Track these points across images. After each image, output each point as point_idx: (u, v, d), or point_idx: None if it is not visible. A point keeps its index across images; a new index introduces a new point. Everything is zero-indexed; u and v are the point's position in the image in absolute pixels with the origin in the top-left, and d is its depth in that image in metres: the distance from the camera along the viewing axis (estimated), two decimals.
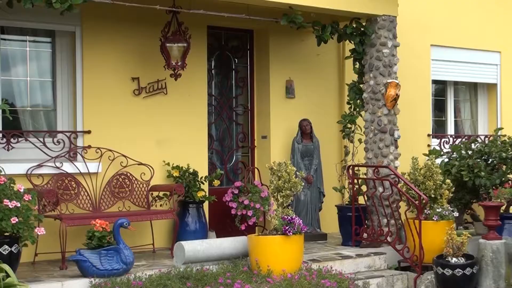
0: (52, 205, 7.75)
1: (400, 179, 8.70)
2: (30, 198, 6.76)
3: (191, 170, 9.00)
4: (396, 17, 9.33)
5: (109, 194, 8.53)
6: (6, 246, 6.48)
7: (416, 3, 10.91)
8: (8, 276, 5.55)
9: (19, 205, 6.56)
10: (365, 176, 9.31)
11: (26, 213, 6.61)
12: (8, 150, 8.14)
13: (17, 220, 6.47)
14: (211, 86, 9.99)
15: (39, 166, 8.15)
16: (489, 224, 8.23)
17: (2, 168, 6.96)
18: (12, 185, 6.71)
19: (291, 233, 7.42)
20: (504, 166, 9.20)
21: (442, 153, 10.28)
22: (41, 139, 8.38)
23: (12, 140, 8.20)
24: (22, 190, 6.74)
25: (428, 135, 11.71)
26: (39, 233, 6.72)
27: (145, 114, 9.04)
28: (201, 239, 8.27)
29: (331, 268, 7.72)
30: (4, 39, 8.44)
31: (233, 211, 8.32)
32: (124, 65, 8.91)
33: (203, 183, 9.09)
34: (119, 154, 8.70)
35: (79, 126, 8.65)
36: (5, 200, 6.50)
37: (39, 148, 8.32)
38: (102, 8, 8.24)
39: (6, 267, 5.60)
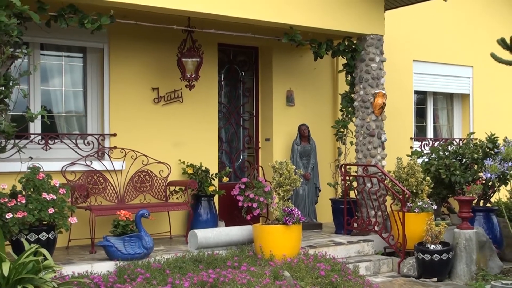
0: (83, 198, 7.78)
1: (386, 176, 8.72)
2: (64, 192, 6.78)
3: (203, 168, 9.01)
4: (382, 36, 9.35)
5: (132, 188, 8.56)
6: (44, 233, 6.54)
7: (400, 24, 10.91)
8: (46, 259, 5.58)
9: (55, 197, 6.60)
10: (355, 174, 9.31)
11: (61, 205, 6.64)
12: (46, 150, 8.20)
13: (53, 210, 6.52)
14: (221, 95, 10.00)
15: (72, 164, 8.19)
16: (463, 215, 8.23)
17: (41, 166, 6.98)
18: (49, 180, 6.74)
19: (290, 223, 7.45)
20: (476, 166, 9.20)
21: (422, 154, 10.29)
22: (74, 141, 8.42)
23: (49, 141, 8.25)
24: (57, 185, 6.78)
25: (411, 138, 11.73)
26: (72, 222, 6.75)
27: (163, 119, 9.05)
28: (211, 228, 8.28)
29: (326, 253, 7.75)
30: (43, 55, 8.48)
31: (240, 204, 8.33)
32: (145, 77, 8.94)
33: (214, 179, 9.10)
34: (140, 154, 8.74)
35: (106, 130, 8.67)
36: (43, 193, 6.56)
37: (72, 149, 8.36)
38: (126, 28, 8.28)
39: (44, 251, 5.64)
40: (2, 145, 6.73)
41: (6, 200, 6.38)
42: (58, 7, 7.08)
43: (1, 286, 5.18)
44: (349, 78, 9.63)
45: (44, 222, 6.57)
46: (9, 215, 6.28)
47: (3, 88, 6.55)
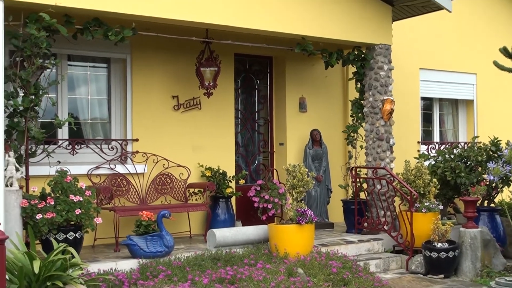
0: (108, 199, 7.77)
1: (394, 178, 8.69)
2: (90, 194, 6.81)
3: (221, 171, 9.01)
4: (390, 45, 9.32)
5: (153, 190, 8.56)
6: (72, 233, 6.57)
7: (407, 34, 10.88)
8: (73, 257, 5.62)
9: (81, 199, 6.64)
10: (365, 176, 9.28)
11: (87, 206, 6.67)
12: (73, 154, 8.23)
13: (80, 211, 6.56)
14: (237, 102, 10.00)
15: (97, 167, 8.22)
16: (468, 215, 8.20)
17: (69, 169, 7.02)
18: (76, 183, 6.77)
19: (304, 223, 7.46)
20: (480, 168, 9.15)
21: (429, 157, 10.24)
22: (99, 146, 8.46)
23: (76, 146, 8.29)
24: (84, 187, 6.82)
25: (418, 142, 11.67)
26: (97, 222, 6.79)
27: (183, 125, 9.06)
28: (229, 227, 8.28)
29: (337, 251, 7.74)
30: (70, 65, 8.52)
31: (255, 204, 8.32)
32: (165, 86, 8.96)
33: (231, 182, 9.10)
34: (161, 158, 8.75)
35: (129, 135, 8.70)
36: (71, 195, 6.60)
37: (97, 153, 8.40)
38: (148, 39, 8.32)
39: (71, 249, 5.68)
40: (33, 150, 6.79)
41: (36, 201, 6.42)
42: (84, 20, 7.13)
43: (32, 283, 5.22)
44: (358, 85, 9.62)
45: (72, 222, 6.61)
46: (39, 216, 6.32)
47: (33, 97, 6.62)
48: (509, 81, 11.59)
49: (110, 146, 8.56)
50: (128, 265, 6.77)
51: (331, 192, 10.01)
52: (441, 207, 8.71)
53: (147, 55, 8.80)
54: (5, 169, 6.18)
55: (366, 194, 9.23)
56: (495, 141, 9.38)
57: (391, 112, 9.17)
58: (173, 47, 8.87)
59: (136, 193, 8.41)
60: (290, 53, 9.55)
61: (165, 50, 8.88)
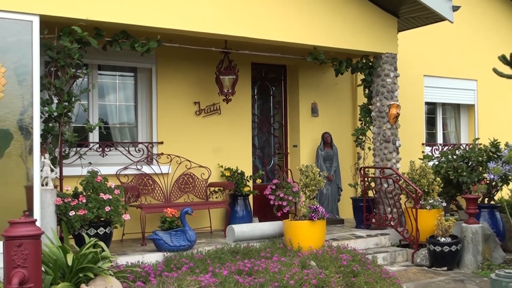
0: (135, 198, 7.84)
1: (400, 178, 8.66)
2: (119, 192, 6.83)
3: (239, 171, 9.03)
4: (396, 54, 9.28)
5: (177, 189, 8.59)
6: (102, 228, 6.62)
7: (412, 43, 10.84)
8: (103, 250, 5.65)
9: (111, 197, 6.66)
10: (373, 175, 9.24)
11: (116, 203, 6.69)
12: (103, 156, 8.30)
13: (109, 208, 6.58)
14: (254, 107, 10.01)
15: (125, 168, 8.26)
16: (470, 212, 8.16)
17: (99, 170, 7.05)
18: (106, 182, 6.80)
19: (316, 219, 7.46)
20: (481, 168, 9.09)
21: (433, 157, 10.18)
22: (126, 148, 8.51)
23: (106, 149, 8.36)
24: (113, 186, 6.84)
25: (422, 144, 11.62)
26: (125, 218, 6.81)
27: (204, 129, 9.09)
28: (247, 223, 8.28)
29: (347, 245, 7.70)
30: (100, 74, 8.59)
31: (271, 202, 8.32)
32: (187, 93, 8.99)
33: (248, 181, 9.11)
34: (184, 159, 8.79)
35: (154, 138, 8.73)
36: (101, 193, 6.63)
37: (125, 155, 8.44)
38: (171, 50, 8.37)
39: (102, 243, 5.70)
40: (66, 152, 6.84)
41: (70, 200, 6.46)
42: (113, 33, 7.17)
43: (66, 274, 5.25)
44: (366, 91, 9.58)
45: (102, 219, 6.64)
46: (72, 213, 6.36)
47: (66, 103, 6.67)
48: (508, 86, 11.50)
49: (137, 149, 8.61)
50: (153, 258, 6.79)
51: (341, 190, 10.00)
52: (444, 204, 8.66)
53: (171, 65, 8.84)
54: (41, 170, 6.23)
55: (374, 192, 9.20)
56: (495, 142, 9.33)
57: (397, 116, 9.13)
58: (195, 57, 8.89)
59: (161, 191, 8.44)
60: (303, 61, 9.54)
61: (187, 60, 8.92)
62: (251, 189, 9.12)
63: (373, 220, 9.00)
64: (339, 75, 9.44)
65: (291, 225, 7.55)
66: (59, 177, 6.75)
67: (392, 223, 8.69)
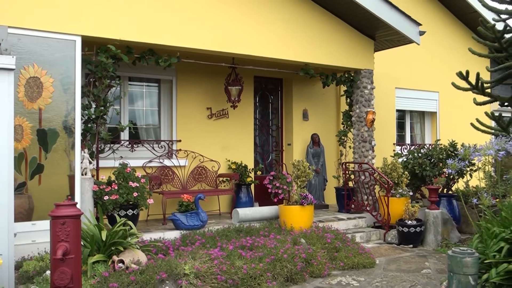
0: (157, 185, 7.85)
1: (375, 171, 8.66)
2: (144, 181, 6.87)
3: (243, 165, 9.04)
4: (373, 70, 9.25)
5: (192, 179, 8.60)
6: (130, 210, 6.65)
7: (386, 61, 10.82)
8: (131, 228, 5.66)
9: (138, 185, 6.70)
10: (353, 169, 9.25)
11: (142, 190, 6.73)
12: (132, 151, 8.30)
13: (137, 194, 6.62)
14: (256, 113, 10.01)
15: (150, 161, 8.27)
16: (431, 200, 8.15)
17: (128, 163, 7.11)
18: (134, 173, 6.84)
19: (305, 204, 7.47)
20: (441, 164, 9.09)
21: (402, 155, 10.19)
22: (151, 145, 8.51)
23: (134, 145, 8.36)
24: (139, 176, 6.87)
25: (393, 144, 11.61)
26: (149, 202, 6.84)
27: (214, 130, 9.10)
28: (249, 207, 8.30)
29: (331, 226, 7.73)
30: (130, 84, 8.59)
31: (269, 190, 8.33)
32: (201, 100, 8.99)
33: (251, 173, 9.12)
34: (198, 154, 8.80)
35: (174, 137, 8.73)
36: (130, 182, 6.67)
37: (150, 151, 8.45)
38: (188, 65, 8.39)
39: (130, 223, 5.71)
40: (102, 148, 6.86)
41: (104, 187, 6.50)
42: (141, 50, 7.19)
43: (101, 247, 5.27)
44: (348, 100, 9.57)
45: (130, 202, 6.67)
46: (106, 198, 6.40)
47: (102, 108, 6.68)
48: (464, 97, 11.48)
49: (159, 145, 8.61)
50: (172, 235, 6.83)
51: (327, 181, 10.00)
52: (411, 193, 8.67)
53: (188, 77, 8.84)
54: (81, 162, 6.25)
55: (353, 183, 9.19)
56: (453, 143, 9.33)
57: (373, 120, 9.13)
58: (207, 70, 8.91)
59: (179, 180, 8.45)
60: (296, 75, 9.57)
61: (201, 73, 8.92)
62: (253, 179, 9.12)
63: (352, 206, 8.99)
64: (326, 87, 9.47)
65: (285, 209, 7.56)
66: (95, 168, 6.77)
67: (368, 208, 8.70)
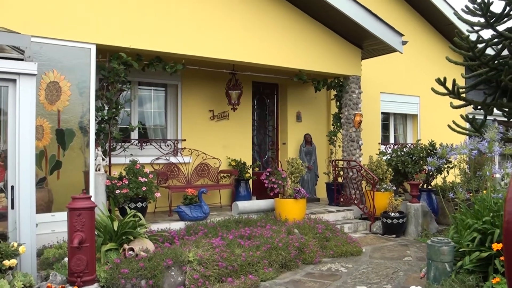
0: (164, 180, 7.86)
1: (362, 168, 8.69)
2: (152, 176, 6.87)
3: (242, 162, 9.03)
4: (360, 76, 9.28)
5: (195, 174, 8.61)
6: (140, 203, 6.65)
7: (372, 68, 10.84)
8: (140, 219, 5.67)
9: (146, 180, 6.71)
10: (342, 166, 9.28)
11: (150, 185, 6.73)
12: (141, 149, 8.30)
13: (145, 188, 6.63)
14: (254, 115, 10.01)
15: (157, 158, 8.29)
16: (413, 194, 8.18)
17: (138, 160, 7.11)
18: (143, 169, 6.85)
19: (299, 198, 7.49)
20: (421, 161, 9.13)
21: (386, 153, 10.23)
22: (158, 144, 8.52)
23: (143, 144, 8.36)
24: (148, 172, 6.87)
25: (379, 143, 11.63)
26: (157, 196, 6.84)
27: (216, 130, 9.10)
28: (247, 200, 8.35)
29: (322, 217, 7.74)
30: (140, 88, 8.59)
31: (266, 185, 8.35)
32: (204, 103, 9.00)
33: (249, 169, 9.10)
34: (201, 152, 8.80)
35: (179, 136, 8.74)
36: (139, 177, 6.67)
37: (157, 149, 8.46)
38: (193, 71, 8.39)
39: (139, 214, 5.68)
40: (114, 146, 6.87)
41: (116, 181, 6.51)
42: (150, 58, 7.20)
43: (113, 237, 5.29)
44: (338, 103, 9.59)
45: (140, 196, 6.68)
46: (117, 191, 6.41)
47: (114, 110, 6.69)
48: (442, 101, 11.49)
49: (166, 144, 8.62)
50: (177, 225, 6.84)
51: (318, 177, 10.02)
52: (394, 188, 8.71)
53: (192, 82, 8.85)
54: (95, 159, 6.26)
55: (342, 178, 9.20)
56: (432, 143, 9.37)
57: (360, 122, 9.16)
58: (210, 76, 8.92)
59: (184, 176, 8.47)
60: (290, 81, 9.58)
61: (204, 78, 8.93)
62: (251, 175, 9.11)
63: (341, 199, 9.02)
64: (317, 91, 9.48)
65: (280, 202, 7.59)
66: (108, 164, 6.80)
67: (355, 201, 8.73)
